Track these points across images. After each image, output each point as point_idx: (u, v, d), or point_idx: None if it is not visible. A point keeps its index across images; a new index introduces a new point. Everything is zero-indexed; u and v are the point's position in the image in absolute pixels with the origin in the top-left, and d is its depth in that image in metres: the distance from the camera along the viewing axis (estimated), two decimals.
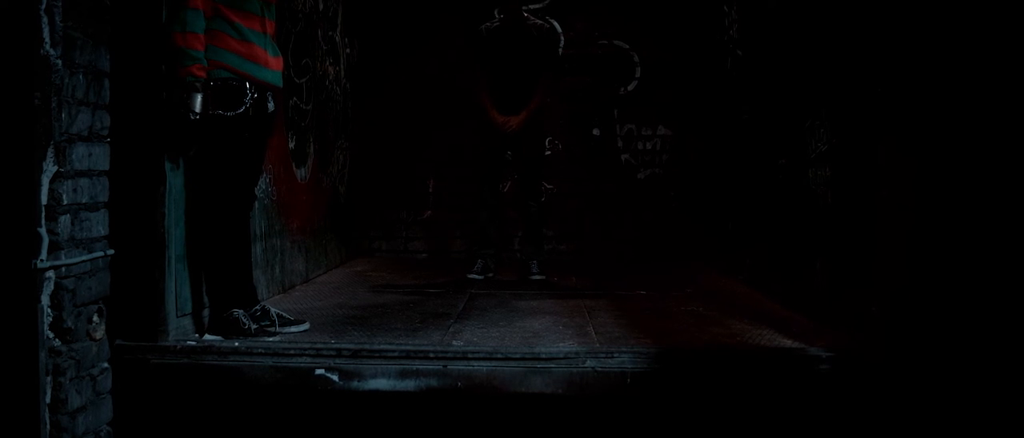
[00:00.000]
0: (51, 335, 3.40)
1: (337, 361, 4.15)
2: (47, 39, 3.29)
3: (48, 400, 3.41)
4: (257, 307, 4.41)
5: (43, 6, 3.25)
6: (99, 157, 3.68)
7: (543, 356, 4.14)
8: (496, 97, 6.31)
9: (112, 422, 3.89)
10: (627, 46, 8.73)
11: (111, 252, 3.76)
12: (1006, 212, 3.60)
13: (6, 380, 3.35)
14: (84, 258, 3.56)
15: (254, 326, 4.32)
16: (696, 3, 8.02)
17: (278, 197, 5.42)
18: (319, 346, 4.21)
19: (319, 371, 4.15)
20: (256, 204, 4.88)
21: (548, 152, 8.52)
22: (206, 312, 4.47)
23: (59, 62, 3.34)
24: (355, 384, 4.16)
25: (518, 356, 4.15)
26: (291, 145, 5.79)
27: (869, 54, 4.13)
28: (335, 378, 4.15)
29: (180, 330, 4.29)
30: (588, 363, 4.13)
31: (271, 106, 4.35)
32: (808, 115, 4.80)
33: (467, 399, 4.24)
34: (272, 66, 4.32)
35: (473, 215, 7.02)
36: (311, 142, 6.27)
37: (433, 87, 8.55)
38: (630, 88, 8.74)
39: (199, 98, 4.01)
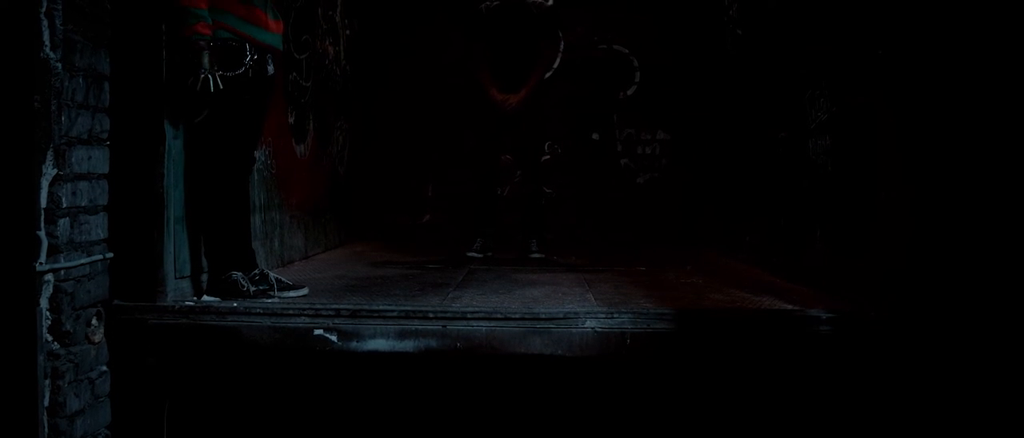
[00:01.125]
0: (50, 338, 3.42)
1: (336, 321, 4.13)
2: (47, 42, 3.31)
3: (46, 403, 3.42)
4: (256, 271, 4.39)
5: (43, 9, 3.27)
6: (98, 160, 3.70)
7: (542, 316, 4.12)
8: (495, 75, 6.31)
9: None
10: (627, 51, 8.77)
11: (110, 255, 3.78)
12: (1005, 173, 3.60)
13: (4, 383, 3.36)
14: (83, 261, 3.58)
15: (253, 289, 4.31)
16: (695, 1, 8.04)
17: (277, 170, 5.42)
18: (318, 307, 4.19)
19: (318, 332, 4.13)
20: (255, 175, 4.89)
21: (547, 156, 8.53)
22: (205, 277, 4.45)
23: (59, 65, 3.35)
24: (354, 345, 4.14)
25: (517, 316, 4.13)
26: (290, 120, 5.79)
27: (869, 17, 4.14)
28: (333, 338, 4.13)
29: (178, 292, 4.27)
30: (588, 323, 4.11)
31: (271, 69, 4.36)
32: (808, 86, 4.81)
33: (466, 360, 4.22)
34: (272, 29, 4.34)
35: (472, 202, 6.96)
36: (310, 119, 6.27)
37: (432, 69, 8.55)
38: (629, 93, 8.77)
39: (207, 56, 4.02)
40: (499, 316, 4.15)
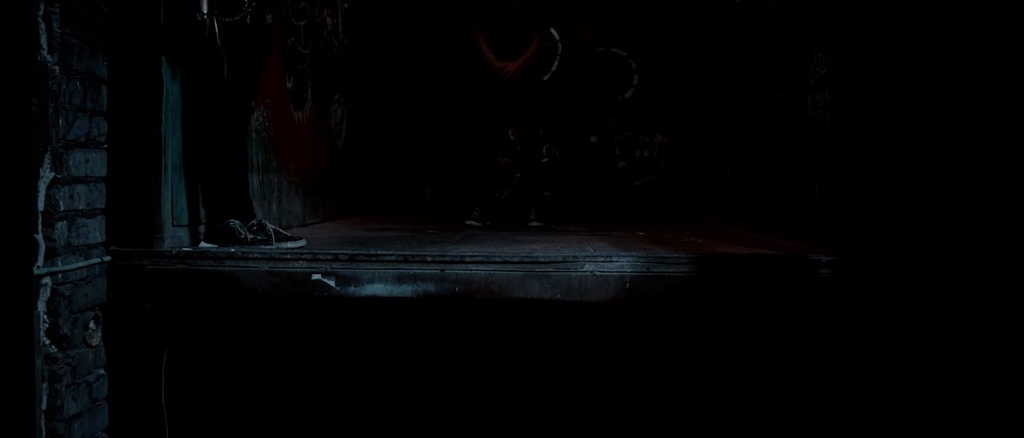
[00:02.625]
0: (47, 341, 3.40)
1: (334, 266, 4.11)
2: (44, 45, 3.30)
3: (44, 407, 3.40)
4: (254, 221, 4.38)
5: (41, 12, 3.27)
6: (96, 163, 3.69)
7: (541, 260, 4.11)
8: (493, 41, 6.27)
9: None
10: (625, 54, 8.81)
11: (108, 258, 3.77)
12: (1000, 115, 3.62)
13: (2, 387, 3.34)
14: (81, 264, 3.57)
15: (250, 237, 4.29)
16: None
17: (275, 133, 5.42)
18: (316, 251, 4.18)
19: (316, 276, 4.11)
20: (253, 135, 4.88)
21: (545, 159, 8.53)
22: (202, 228, 4.44)
23: (56, 68, 3.34)
24: (352, 290, 4.11)
25: (516, 260, 4.11)
26: (288, 85, 5.80)
27: None
28: (332, 283, 4.11)
29: (176, 240, 4.25)
30: (587, 267, 4.09)
31: (269, 18, 4.37)
32: (806, 43, 4.83)
33: (465, 306, 4.19)
34: None
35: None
36: (309, 88, 6.28)
37: (431, 46, 8.55)
38: (628, 96, 8.80)
39: (206, 0, 4.03)
40: (498, 260, 4.13)
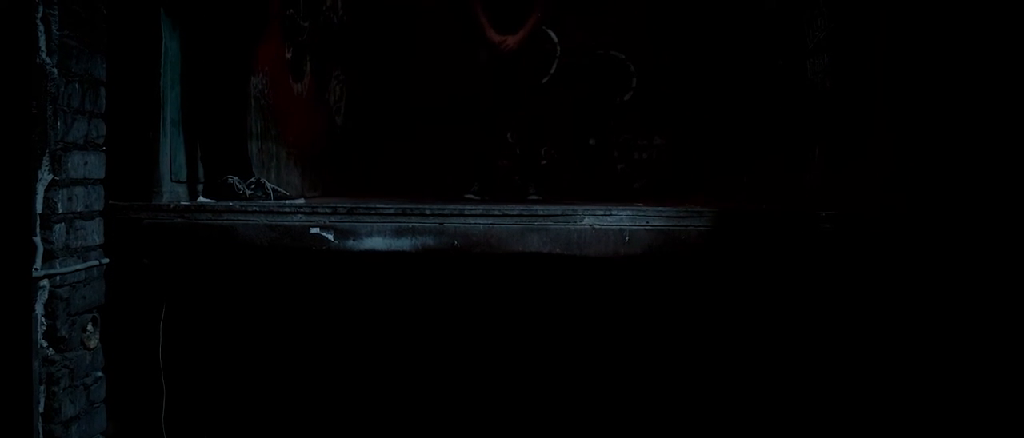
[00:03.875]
0: (45, 344, 3.39)
1: (332, 219, 4.09)
2: (43, 47, 3.30)
3: (41, 409, 3.38)
4: (252, 179, 4.37)
5: (39, 14, 3.27)
6: (94, 165, 3.68)
7: (540, 214, 4.10)
8: (492, 14, 6.20)
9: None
10: (623, 56, 8.82)
11: (106, 260, 3.75)
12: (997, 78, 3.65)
13: (0, 389, 3.32)
14: (79, 267, 3.55)
15: (249, 193, 4.28)
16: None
17: (274, 101, 5.42)
18: (314, 205, 4.16)
19: (314, 230, 4.09)
20: (252, 102, 4.88)
21: (544, 161, 8.53)
22: (201, 187, 4.43)
23: (55, 70, 3.34)
24: (350, 243, 4.09)
25: (515, 213, 4.10)
26: (288, 55, 5.80)
27: None
28: (330, 237, 4.09)
29: (173, 195, 4.25)
30: (586, 220, 4.08)
31: None
32: (806, 7, 4.85)
33: (464, 260, 4.16)
34: None
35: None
36: (308, 60, 6.28)
37: (430, 44, 8.55)
38: (626, 98, 8.80)
39: None
40: (497, 213, 4.12)
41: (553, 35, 8.69)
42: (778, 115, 5.27)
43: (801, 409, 4.43)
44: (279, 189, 4.35)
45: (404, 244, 4.09)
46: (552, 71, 8.67)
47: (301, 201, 4.36)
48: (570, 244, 4.07)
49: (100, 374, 3.76)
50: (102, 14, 3.68)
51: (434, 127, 8.57)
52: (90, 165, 3.64)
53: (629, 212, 4.08)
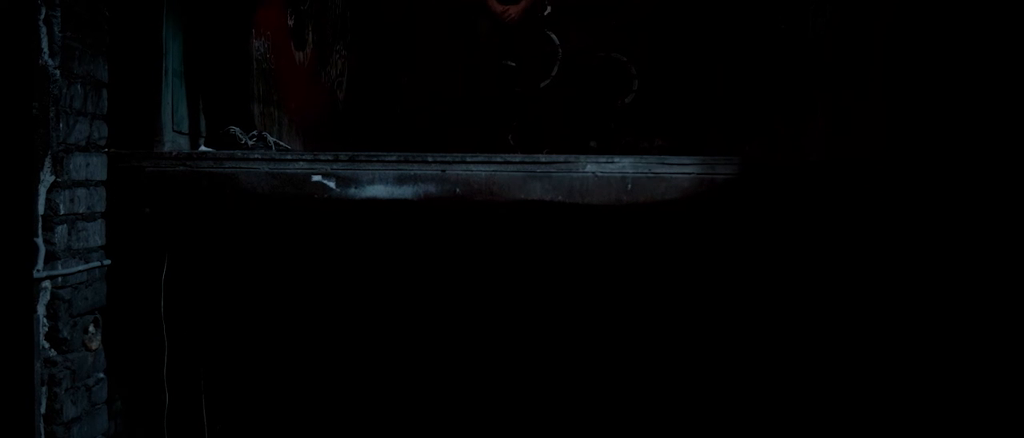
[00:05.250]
0: (46, 345, 3.40)
1: (334, 166, 4.09)
2: (45, 49, 3.31)
3: (43, 411, 3.38)
4: (254, 131, 4.37)
5: (42, 16, 3.29)
6: (96, 167, 3.70)
7: (542, 161, 4.10)
8: None
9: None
10: (625, 59, 8.85)
11: (107, 262, 3.76)
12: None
13: (2, 390, 3.33)
14: (81, 268, 3.56)
15: (251, 143, 4.28)
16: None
17: (276, 67, 5.42)
18: (316, 152, 4.16)
19: (316, 177, 4.08)
20: (254, 65, 4.90)
21: None
22: (203, 140, 4.43)
23: (57, 72, 3.36)
24: (352, 191, 4.09)
25: (517, 160, 4.10)
26: (290, 23, 5.82)
27: None
28: (332, 185, 4.08)
29: (175, 145, 4.26)
30: (588, 168, 4.08)
31: None
32: None
33: (466, 208, 4.15)
34: None
35: None
36: (310, 30, 6.29)
37: (429, 41, 8.56)
38: (628, 100, 8.82)
39: None
40: (499, 160, 4.12)
41: (554, 37, 8.73)
42: (779, 84, 5.29)
43: (801, 353, 4.41)
44: (281, 143, 4.35)
45: (406, 192, 4.08)
46: (553, 73, 8.70)
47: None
48: (572, 192, 4.06)
49: (102, 375, 3.75)
50: (104, 16, 3.69)
51: (434, 128, 8.58)
52: (92, 166, 3.65)
53: (631, 159, 4.08)
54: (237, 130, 4.26)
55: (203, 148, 4.25)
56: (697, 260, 4.54)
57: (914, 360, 4.07)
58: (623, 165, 4.07)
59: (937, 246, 3.88)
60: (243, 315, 4.57)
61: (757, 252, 4.41)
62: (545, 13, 6.74)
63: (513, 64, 6.62)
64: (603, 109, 8.76)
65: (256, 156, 4.11)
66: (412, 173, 4.08)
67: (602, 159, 4.08)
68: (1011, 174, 3.53)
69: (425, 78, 8.57)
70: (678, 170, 4.07)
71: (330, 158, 4.10)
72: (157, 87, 4.11)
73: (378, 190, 4.09)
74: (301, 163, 4.10)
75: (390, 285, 4.63)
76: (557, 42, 8.78)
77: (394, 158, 4.09)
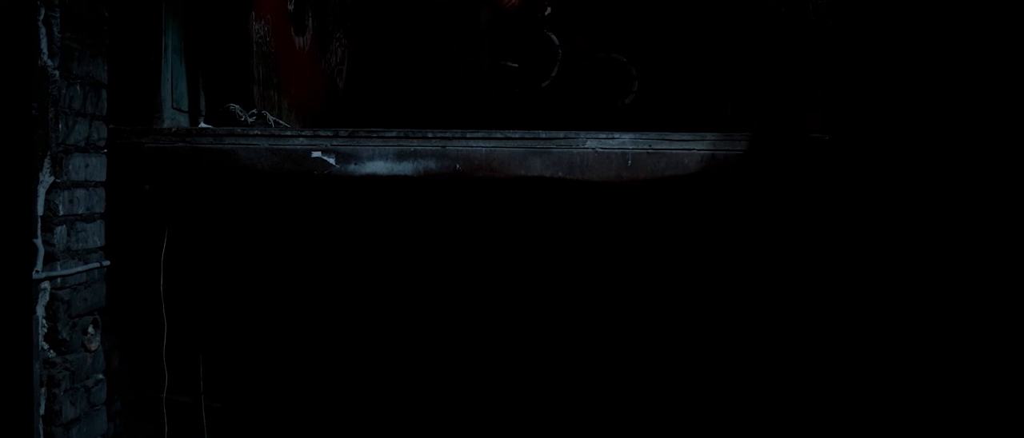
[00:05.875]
0: (46, 346, 3.38)
1: (334, 142, 4.08)
2: (45, 50, 3.30)
3: (42, 412, 3.37)
4: (254, 110, 4.37)
5: (41, 17, 3.28)
6: (96, 168, 3.68)
7: (542, 136, 4.09)
8: None
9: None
10: (625, 59, 8.86)
11: (107, 263, 3.75)
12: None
13: (0, 391, 3.32)
14: (80, 269, 3.55)
15: (250, 121, 4.28)
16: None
17: (276, 50, 5.42)
18: (316, 129, 4.16)
19: (316, 154, 4.08)
20: (254, 47, 4.90)
21: None
22: (202, 118, 4.43)
23: (57, 73, 3.35)
24: (352, 167, 4.08)
25: (517, 136, 4.09)
26: (290, 7, 5.83)
27: None
28: (332, 161, 4.08)
29: (175, 122, 4.25)
30: (588, 144, 4.08)
31: None
32: None
33: (466, 184, 4.15)
34: None
35: None
36: (310, 16, 6.29)
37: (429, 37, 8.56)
38: (628, 101, 8.82)
39: None
40: (499, 136, 4.11)
41: (554, 38, 8.74)
42: (779, 76, 5.29)
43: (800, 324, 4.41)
44: (281, 122, 4.34)
45: (406, 168, 4.07)
46: (553, 74, 8.70)
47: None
48: (573, 168, 4.06)
49: (101, 376, 3.73)
50: (104, 16, 3.68)
51: (433, 127, 8.54)
52: (91, 167, 3.63)
53: (631, 135, 4.08)
54: (237, 108, 4.26)
55: (203, 125, 4.23)
56: (695, 236, 4.54)
57: (921, 347, 4.06)
58: (623, 141, 4.06)
59: (939, 219, 3.88)
60: (243, 293, 4.56)
61: (756, 229, 4.41)
62: (545, 14, 6.74)
63: (513, 65, 6.63)
64: (603, 109, 8.76)
65: (256, 132, 4.11)
66: (412, 149, 4.07)
67: (602, 135, 4.08)
68: (1008, 152, 3.54)
69: (425, 76, 8.58)
70: (678, 146, 4.06)
71: (330, 134, 4.09)
72: (157, 63, 4.10)
73: (378, 166, 4.08)
74: (301, 139, 4.10)
75: (390, 262, 4.62)
76: (557, 43, 8.78)
77: (394, 134, 4.09)
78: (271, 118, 4.34)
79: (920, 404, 4.12)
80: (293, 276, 4.64)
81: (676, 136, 4.09)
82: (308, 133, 4.11)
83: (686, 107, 8.20)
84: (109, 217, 3.81)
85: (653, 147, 4.06)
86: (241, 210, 4.36)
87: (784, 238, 4.29)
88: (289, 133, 4.11)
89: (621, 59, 8.81)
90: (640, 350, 4.72)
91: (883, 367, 4.26)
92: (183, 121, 4.28)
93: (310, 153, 4.08)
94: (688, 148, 4.07)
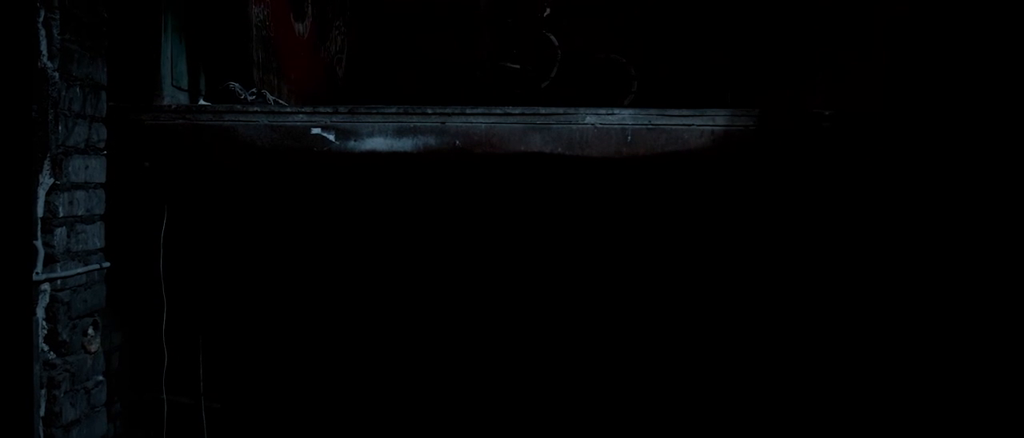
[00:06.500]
0: (46, 348, 3.39)
1: (334, 119, 4.09)
2: (44, 52, 3.32)
3: (42, 413, 3.38)
4: (254, 89, 4.37)
5: (41, 19, 3.29)
6: (95, 169, 3.69)
7: (542, 112, 4.10)
8: None
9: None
10: (624, 60, 8.87)
11: (107, 264, 3.75)
12: None
13: (1, 393, 3.33)
14: (80, 271, 3.55)
15: (250, 99, 4.28)
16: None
17: (275, 35, 5.41)
18: (316, 105, 4.17)
19: (315, 130, 4.08)
20: (253, 31, 4.91)
21: None
22: (201, 98, 4.43)
23: (56, 75, 3.36)
24: (351, 144, 4.09)
25: (517, 112, 4.10)
26: None
27: None
28: (331, 138, 4.08)
29: (175, 100, 4.25)
30: (588, 120, 4.09)
31: None
32: None
33: (466, 161, 4.15)
34: None
35: None
36: (309, 3, 6.30)
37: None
38: (627, 101, 8.82)
39: None
40: (499, 112, 4.12)
41: (554, 39, 8.75)
42: (779, 54, 5.30)
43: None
44: (280, 101, 4.34)
45: (405, 144, 4.08)
46: (552, 75, 8.70)
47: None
48: (572, 144, 4.06)
49: (101, 378, 3.73)
50: (103, 18, 3.69)
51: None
52: (91, 169, 3.64)
53: (631, 111, 4.09)
54: (237, 86, 4.26)
55: (203, 103, 4.24)
56: (694, 210, 4.54)
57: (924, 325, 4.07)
58: (623, 117, 4.07)
59: (937, 193, 3.88)
60: (242, 271, 4.56)
61: (756, 204, 4.41)
62: (545, 15, 6.76)
63: (514, 66, 6.65)
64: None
65: (256, 109, 4.11)
66: (412, 125, 4.08)
67: (602, 111, 4.09)
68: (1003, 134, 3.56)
69: (425, 75, 8.59)
70: (678, 122, 4.08)
71: (330, 110, 4.10)
72: (156, 40, 4.10)
73: (378, 143, 4.08)
74: (300, 116, 4.10)
75: (390, 239, 4.61)
76: (556, 43, 8.79)
77: (394, 110, 4.09)
78: (271, 98, 4.33)
79: (914, 389, 4.12)
80: (292, 253, 4.63)
81: (676, 112, 4.10)
82: (308, 109, 4.11)
83: (686, 106, 8.17)
84: (109, 201, 3.81)
85: (653, 123, 4.06)
86: (242, 188, 4.35)
87: (784, 213, 4.29)
88: (289, 109, 4.11)
89: (620, 60, 8.82)
90: (642, 324, 4.71)
91: (883, 340, 4.25)
92: (183, 99, 4.28)
93: (310, 130, 4.08)
94: (688, 124, 4.07)
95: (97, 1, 3.62)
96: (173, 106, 4.11)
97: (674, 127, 4.05)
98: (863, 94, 4.29)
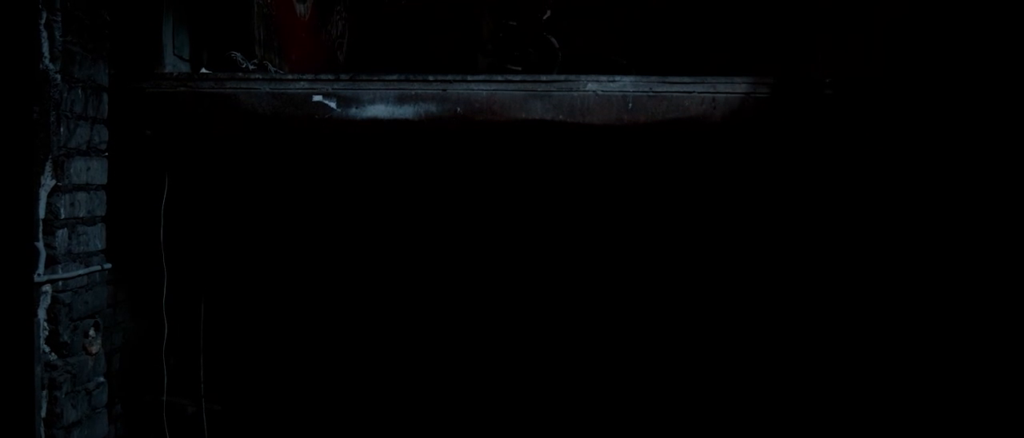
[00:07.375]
0: (47, 349, 3.40)
1: (335, 86, 4.09)
2: (46, 54, 3.33)
3: (43, 414, 3.38)
4: (256, 58, 4.38)
5: (42, 21, 3.30)
6: (97, 171, 3.69)
7: (544, 79, 4.10)
8: None
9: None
10: (625, 62, 8.88)
11: (108, 265, 3.76)
12: None
13: (2, 394, 3.34)
14: (81, 272, 3.56)
15: (252, 68, 4.29)
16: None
17: (276, 12, 5.42)
18: (317, 73, 4.17)
19: (317, 97, 4.08)
20: (254, 8, 4.92)
21: None
22: (204, 68, 4.43)
23: (58, 76, 3.37)
24: (353, 111, 4.09)
25: (518, 79, 4.10)
26: None
27: None
28: (333, 105, 4.08)
29: (176, 69, 4.25)
30: (589, 87, 4.08)
31: None
32: None
33: (467, 128, 4.15)
34: None
35: None
36: None
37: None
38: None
39: None
40: (499, 79, 4.12)
41: (554, 41, 8.76)
42: (784, 22, 5.31)
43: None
44: (282, 72, 4.35)
45: (407, 112, 4.08)
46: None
47: None
48: (573, 111, 4.06)
49: (102, 379, 3.73)
50: (105, 20, 3.70)
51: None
52: (92, 170, 3.64)
53: (632, 78, 4.08)
54: (239, 55, 4.27)
55: (204, 71, 4.24)
56: (695, 176, 4.54)
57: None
58: (624, 84, 4.07)
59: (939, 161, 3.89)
60: (243, 240, 4.55)
61: (755, 170, 4.41)
62: (545, 17, 6.78)
63: (516, 68, 6.67)
64: None
65: (257, 76, 4.11)
66: (413, 92, 4.08)
67: (603, 78, 4.08)
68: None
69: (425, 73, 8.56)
70: (679, 89, 4.07)
71: (331, 78, 4.10)
72: (158, 7, 4.10)
73: (379, 110, 4.08)
74: (302, 83, 4.11)
75: (392, 205, 4.61)
76: (557, 45, 8.80)
77: (395, 78, 4.09)
78: (272, 69, 4.34)
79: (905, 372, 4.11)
80: (295, 222, 4.63)
81: (677, 79, 4.09)
82: (309, 77, 4.11)
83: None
84: (111, 174, 3.80)
85: (654, 90, 4.06)
86: (244, 156, 4.36)
87: (783, 180, 4.29)
88: (291, 77, 4.11)
89: (621, 61, 8.81)
90: (643, 289, 4.70)
91: (884, 310, 4.24)
92: (184, 68, 4.28)
93: (311, 97, 4.08)
94: (688, 91, 4.07)
95: (98, 3, 3.63)
96: (174, 74, 4.11)
97: (675, 94, 4.04)
98: (864, 62, 4.30)
